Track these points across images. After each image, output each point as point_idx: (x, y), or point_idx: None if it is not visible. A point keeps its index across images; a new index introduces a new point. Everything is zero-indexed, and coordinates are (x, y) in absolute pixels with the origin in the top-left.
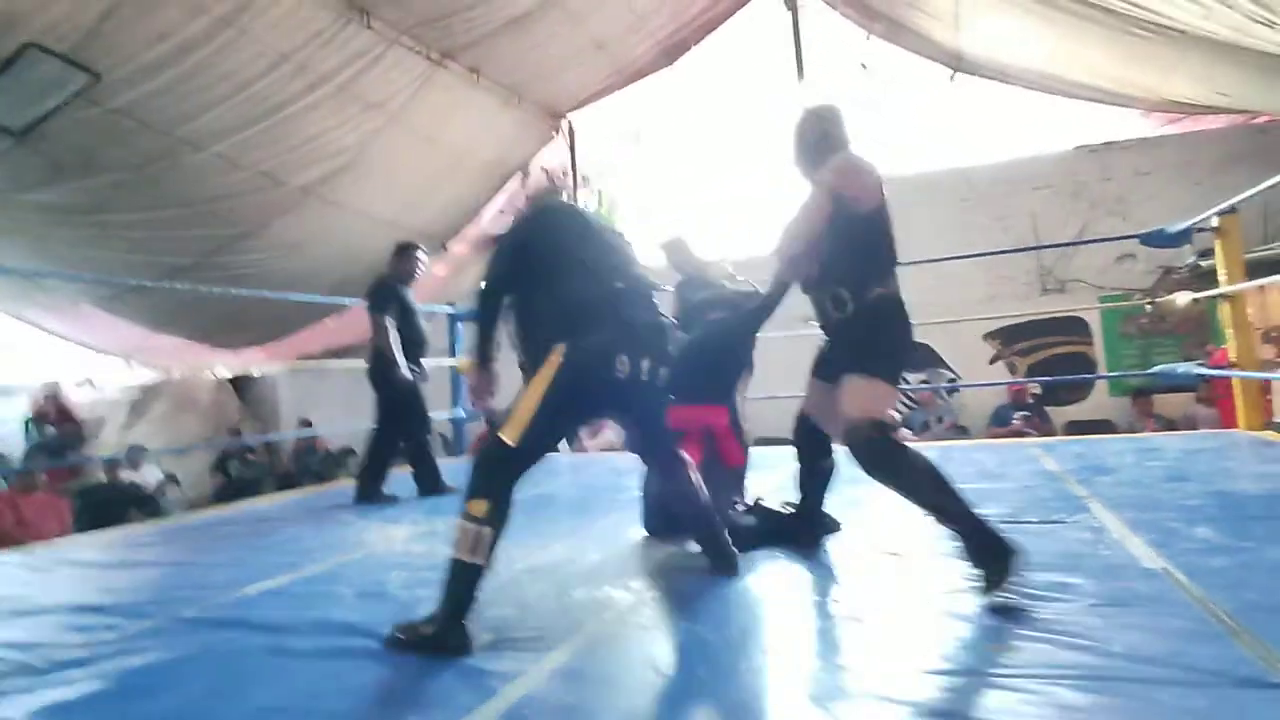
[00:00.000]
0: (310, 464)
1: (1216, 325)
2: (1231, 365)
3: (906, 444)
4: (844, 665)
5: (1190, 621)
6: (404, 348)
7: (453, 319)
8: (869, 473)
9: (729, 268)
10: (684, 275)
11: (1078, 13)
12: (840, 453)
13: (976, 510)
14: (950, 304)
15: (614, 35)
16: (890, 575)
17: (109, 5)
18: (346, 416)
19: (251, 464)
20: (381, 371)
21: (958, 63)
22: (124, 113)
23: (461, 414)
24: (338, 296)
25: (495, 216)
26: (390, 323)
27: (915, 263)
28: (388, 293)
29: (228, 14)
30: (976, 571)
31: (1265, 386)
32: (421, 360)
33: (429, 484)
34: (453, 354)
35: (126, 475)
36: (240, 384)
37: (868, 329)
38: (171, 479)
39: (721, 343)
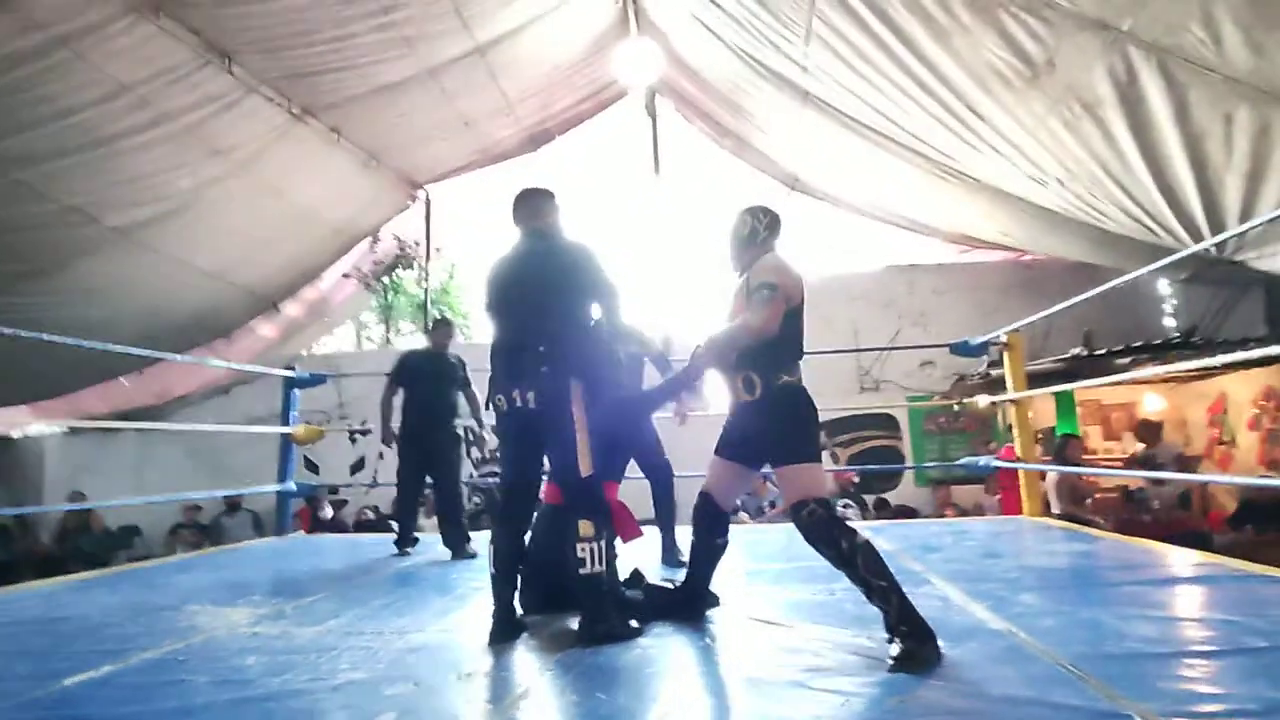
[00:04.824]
0: (82, 545)
1: (997, 426)
2: (1017, 460)
3: (849, 523)
4: None
5: (1044, 670)
6: (410, 410)
7: (289, 384)
8: (813, 546)
9: (656, 333)
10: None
11: (896, 152)
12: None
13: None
14: None
15: (481, 116)
16: (781, 643)
17: None
18: (133, 489)
19: (8, 543)
20: None
21: (794, 183)
22: None
23: (292, 488)
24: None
25: (338, 281)
26: (389, 387)
27: None
28: (399, 363)
29: (66, 34)
30: (894, 646)
31: (1042, 478)
32: (442, 421)
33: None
34: (286, 421)
35: None
36: None
37: (780, 418)
38: None
39: (617, 422)
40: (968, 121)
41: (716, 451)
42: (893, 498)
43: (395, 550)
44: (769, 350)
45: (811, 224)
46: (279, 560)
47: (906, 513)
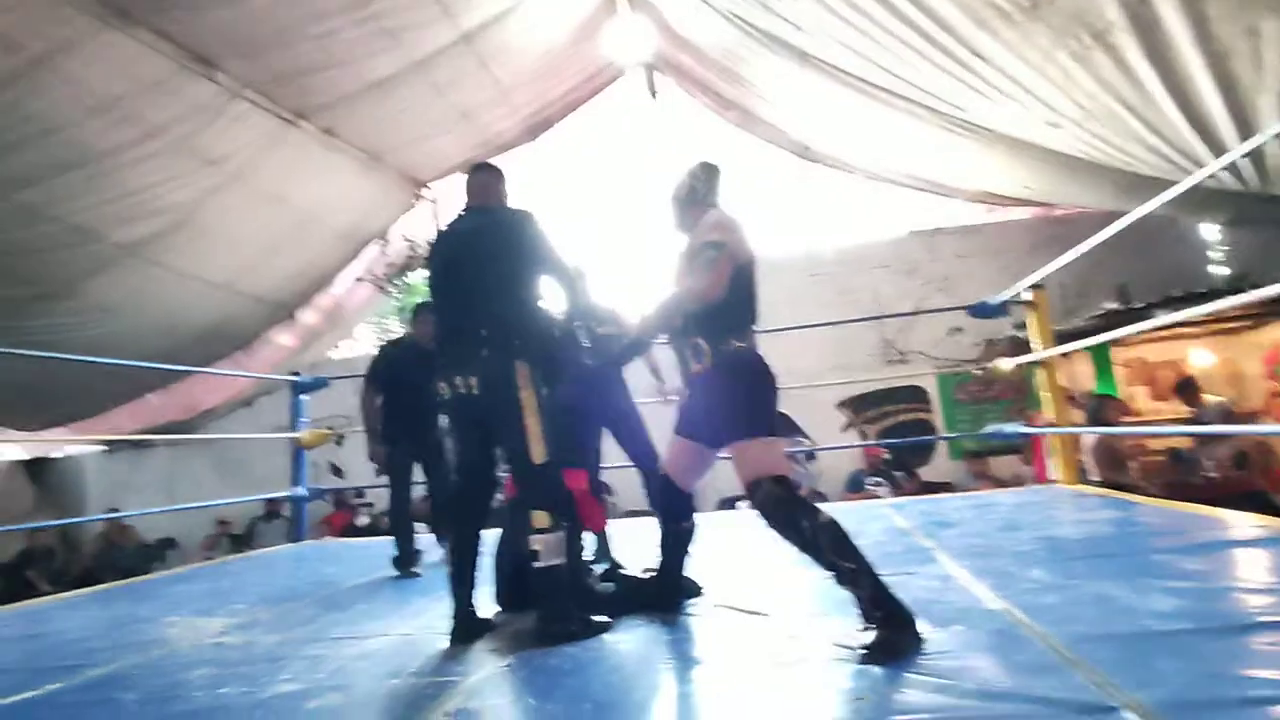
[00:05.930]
0: (119, 559)
1: (1034, 391)
2: (1048, 425)
3: (809, 501)
4: None
5: (1032, 656)
6: (394, 412)
7: (296, 389)
8: (772, 528)
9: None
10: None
11: (904, 108)
12: (701, 514)
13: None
14: (803, 372)
15: (477, 107)
16: (752, 634)
17: None
18: (167, 503)
19: (53, 562)
20: None
21: (805, 152)
22: None
23: (303, 493)
24: (160, 365)
25: (352, 285)
26: (367, 391)
27: (769, 330)
28: (375, 360)
29: (41, 54)
30: (868, 633)
31: (1076, 444)
32: (431, 422)
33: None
34: (294, 427)
35: None
36: (36, 468)
37: (729, 388)
38: None
39: (574, 405)
40: (970, 65)
41: (675, 429)
42: (926, 473)
43: (397, 574)
44: (717, 314)
45: (827, 193)
46: (284, 567)
47: (936, 488)
